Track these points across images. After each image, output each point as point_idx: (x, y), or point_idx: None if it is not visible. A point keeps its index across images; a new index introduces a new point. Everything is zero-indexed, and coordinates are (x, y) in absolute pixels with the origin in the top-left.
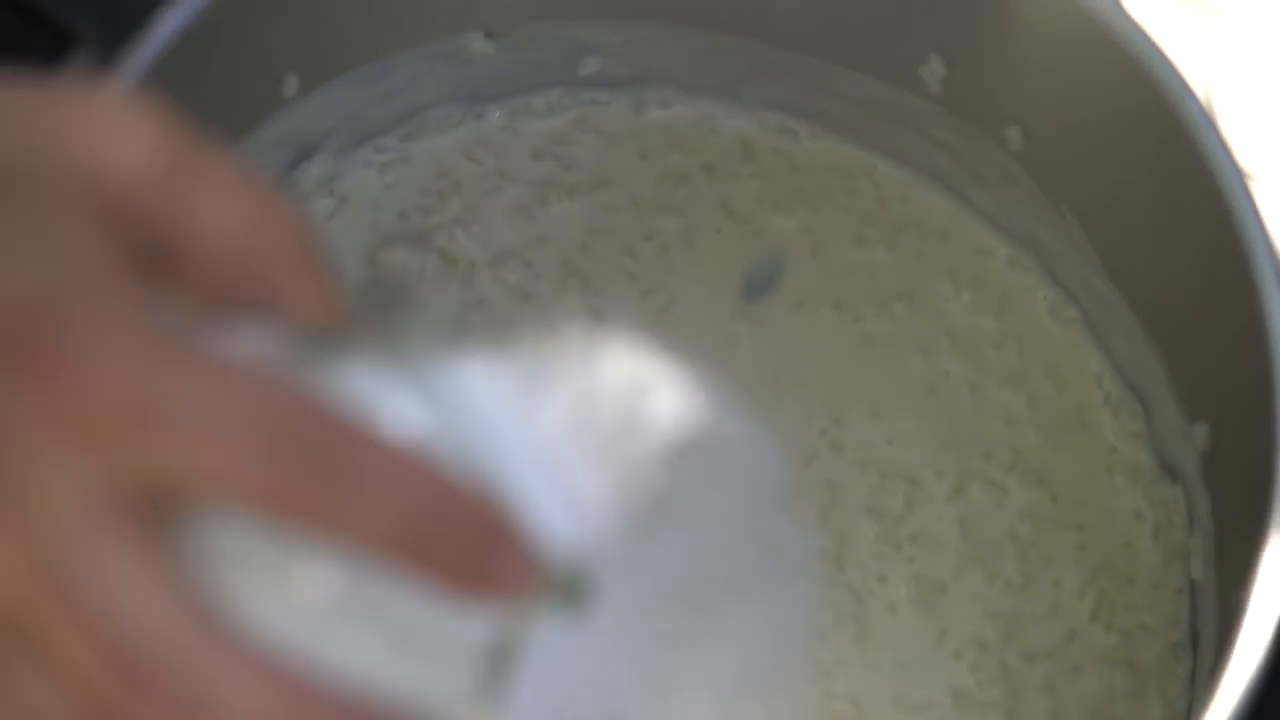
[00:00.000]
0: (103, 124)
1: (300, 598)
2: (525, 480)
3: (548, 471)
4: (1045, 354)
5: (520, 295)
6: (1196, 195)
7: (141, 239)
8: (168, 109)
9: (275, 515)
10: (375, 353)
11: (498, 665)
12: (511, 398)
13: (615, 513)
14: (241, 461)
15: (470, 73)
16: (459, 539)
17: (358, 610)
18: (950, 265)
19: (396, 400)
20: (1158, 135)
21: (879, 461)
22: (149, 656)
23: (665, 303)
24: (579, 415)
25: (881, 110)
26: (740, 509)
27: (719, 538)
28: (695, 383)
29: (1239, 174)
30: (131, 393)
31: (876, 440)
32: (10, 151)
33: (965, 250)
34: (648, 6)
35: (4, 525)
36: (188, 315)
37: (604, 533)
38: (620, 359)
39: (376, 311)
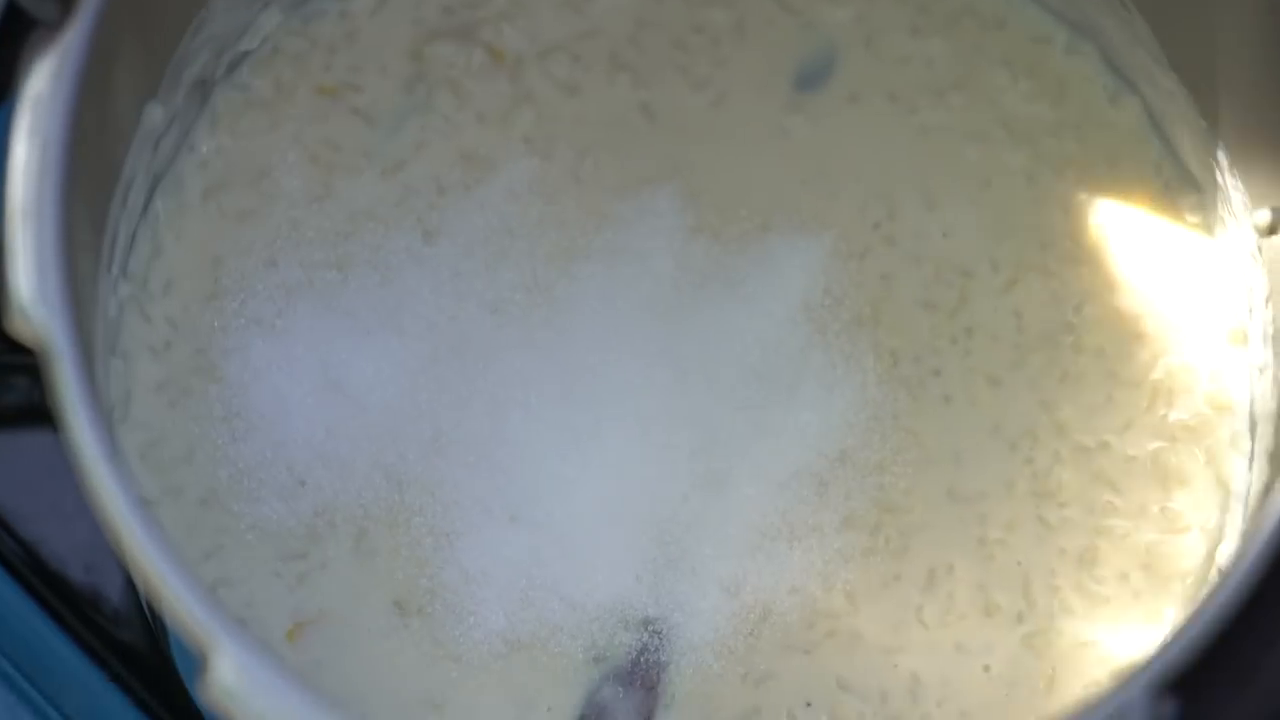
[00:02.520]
0: None
1: None
2: None
3: None
4: (1104, 142)
5: (568, 90)
6: None
7: None
8: None
9: None
10: None
11: None
12: None
13: None
14: None
15: None
16: None
17: None
18: (1007, 53)
19: None
20: None
21: (933, 254)
22: None
23: (716, 96)
24: None
25: None
26: (791, 308)
27: (771, 337)
28: None
29: None
30: None
31: (931, 233)
32: None
33: (1022, 38)
34: None
35: None
36: None
37: None
38: None
39: None
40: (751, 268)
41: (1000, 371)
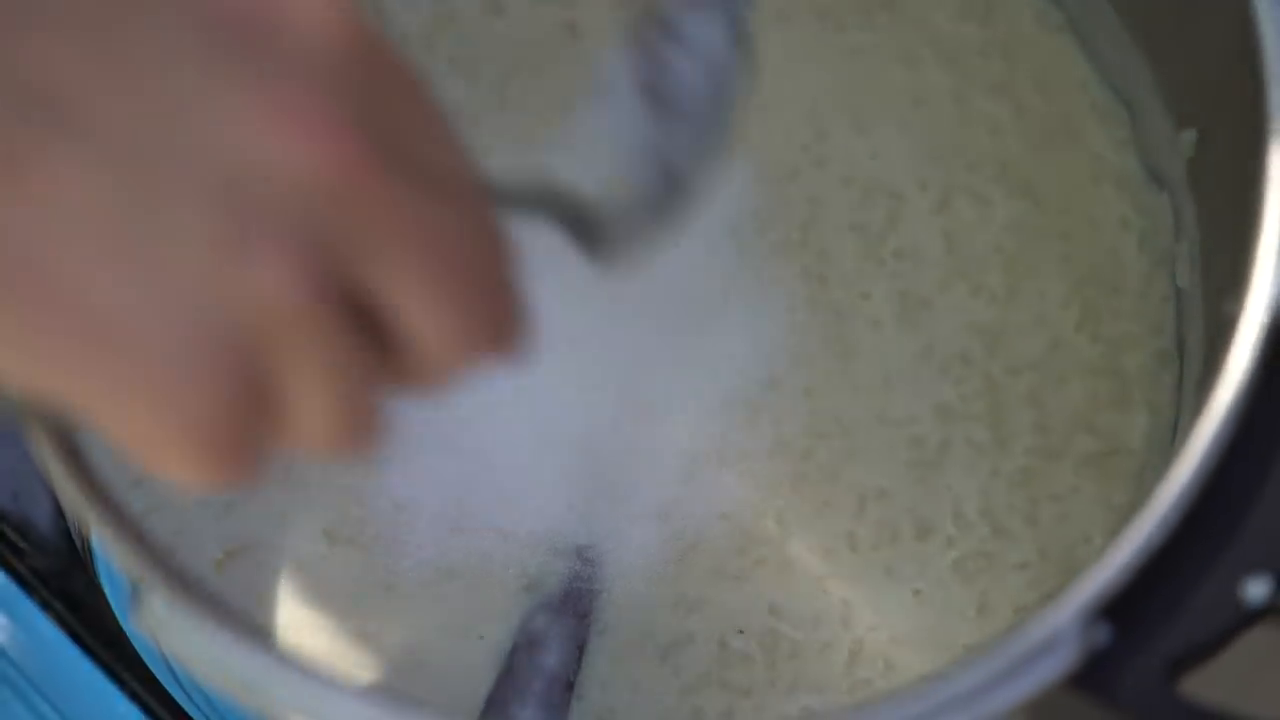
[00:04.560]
0: None
1: None
2: None
3: None
4: (1031, 61)
5: (492, 9)
6: None
7: None
8: None
9: None
10: None
11: None
12: None
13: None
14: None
15: None
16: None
17: None
18: None
19: None
20: None
21: (862, 176)
22: None
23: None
24: None
25: None
26: (718, 232)
27: (699, 262)
28: None
29: None
30: None
31: (860, 154)
32: None
33: None
34: None
35: None
36: None
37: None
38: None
39: None
40: None
41: (930, 294)
